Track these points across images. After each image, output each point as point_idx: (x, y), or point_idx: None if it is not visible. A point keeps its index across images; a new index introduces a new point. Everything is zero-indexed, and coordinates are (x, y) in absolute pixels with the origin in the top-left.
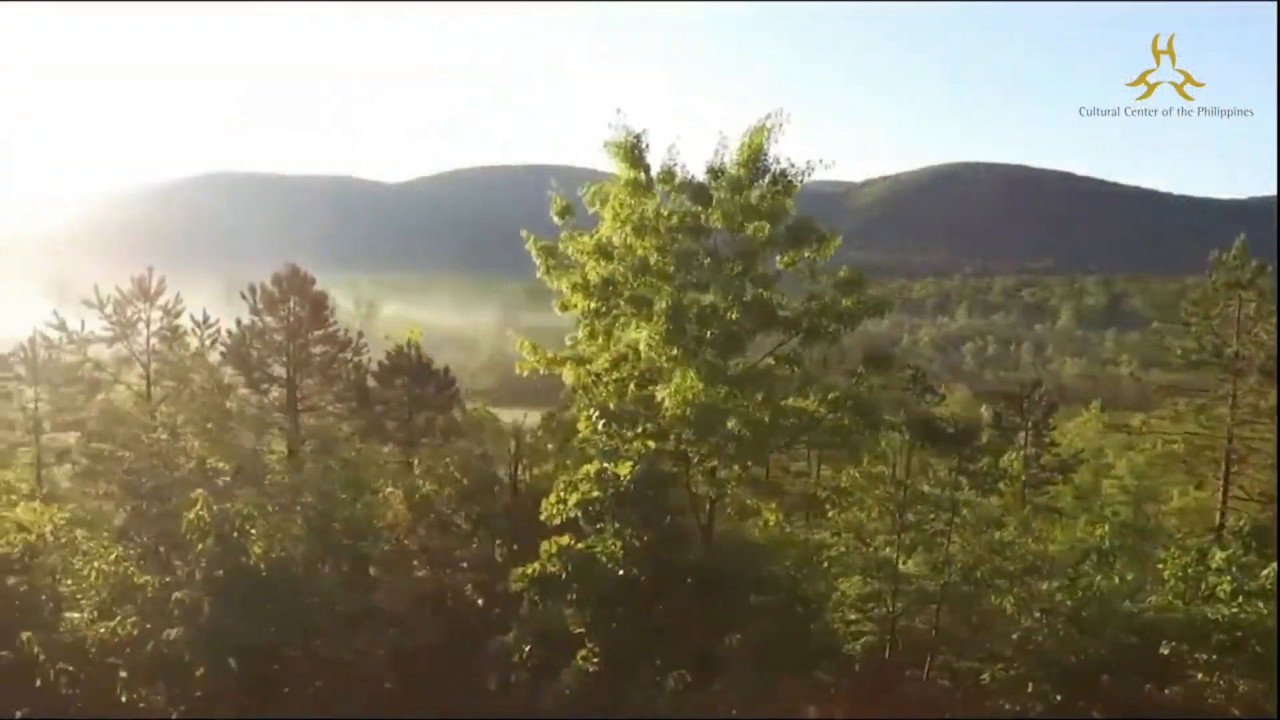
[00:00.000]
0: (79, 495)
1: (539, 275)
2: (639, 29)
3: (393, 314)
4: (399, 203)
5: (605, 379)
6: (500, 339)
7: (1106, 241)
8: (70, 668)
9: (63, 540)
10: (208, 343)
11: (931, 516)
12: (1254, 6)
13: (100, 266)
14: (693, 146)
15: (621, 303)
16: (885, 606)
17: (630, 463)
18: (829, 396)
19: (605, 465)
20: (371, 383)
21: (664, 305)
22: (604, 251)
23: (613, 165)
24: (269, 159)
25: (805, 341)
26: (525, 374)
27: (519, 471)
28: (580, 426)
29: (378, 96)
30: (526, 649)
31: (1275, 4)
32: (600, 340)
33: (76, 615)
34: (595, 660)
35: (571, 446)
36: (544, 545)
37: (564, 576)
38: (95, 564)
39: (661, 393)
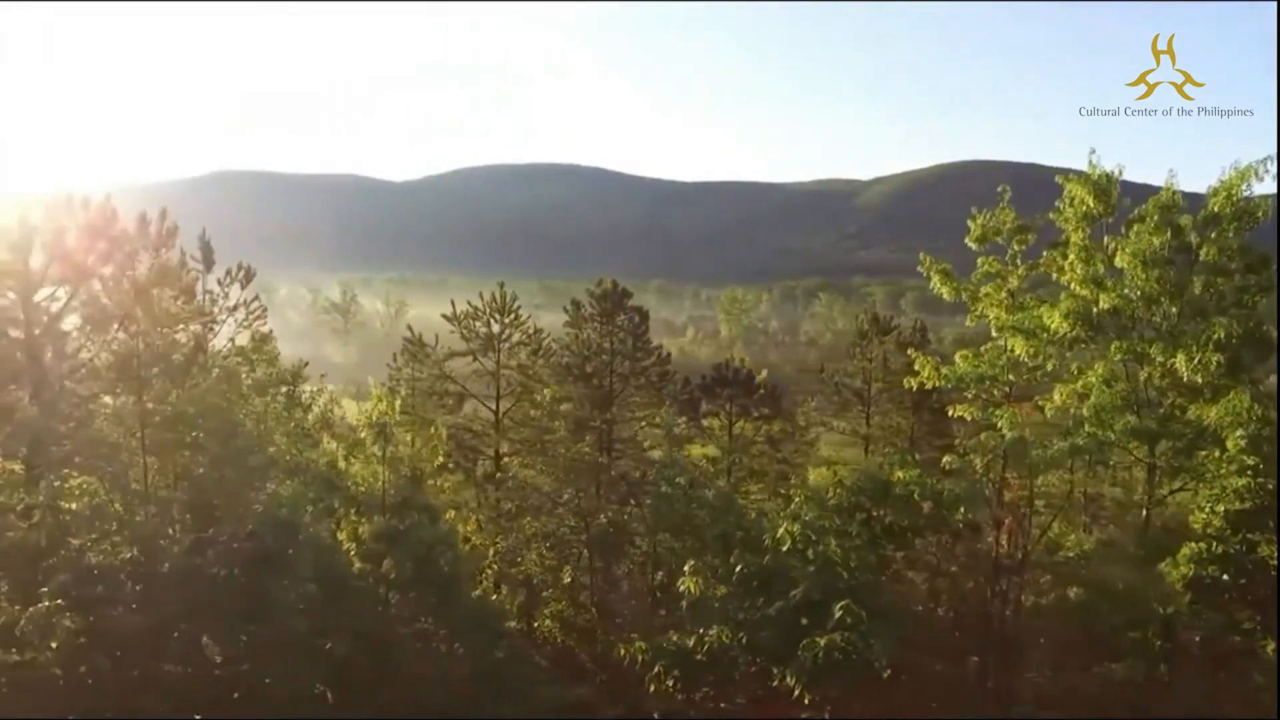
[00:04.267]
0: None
1: (945, 296)
2: (640, 29)
3: (415, 315)
4: (406, 200)
5: (1088, 402)
6: None
7: None
8: (678, 673)
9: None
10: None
11: None
12: (1254, 6)
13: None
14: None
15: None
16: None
17: None
18: None
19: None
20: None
21: (1219, 335)
22: (1098, 282)
23: (1074, 193)
24: (274, 157)
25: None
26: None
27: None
28: (1229, 446)
29: (383, 95)
30: (1158, 642)
31: (1275, 4)
32: (1082, 364)
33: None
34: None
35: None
36: (1184, 549)
37: (1224, 577)
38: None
39: (1208, 412)
